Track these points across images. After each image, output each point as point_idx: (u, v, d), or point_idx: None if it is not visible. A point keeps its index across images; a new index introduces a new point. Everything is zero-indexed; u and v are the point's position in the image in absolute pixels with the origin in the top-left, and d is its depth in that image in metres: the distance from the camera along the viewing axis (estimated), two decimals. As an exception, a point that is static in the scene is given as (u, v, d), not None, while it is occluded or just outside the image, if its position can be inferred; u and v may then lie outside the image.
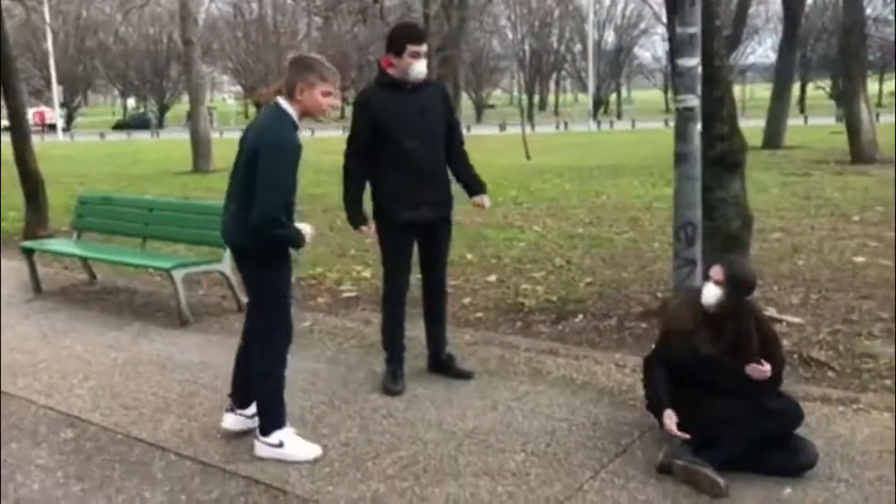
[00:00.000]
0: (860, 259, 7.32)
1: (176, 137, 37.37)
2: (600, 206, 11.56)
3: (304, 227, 3.48)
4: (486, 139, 32.74)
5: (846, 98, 18.18)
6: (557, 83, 70.75)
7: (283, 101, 3.41)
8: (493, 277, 7.09)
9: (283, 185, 3.30)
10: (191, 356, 5.07)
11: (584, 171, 16.93)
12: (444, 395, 4.26)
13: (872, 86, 35.85)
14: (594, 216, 10.55)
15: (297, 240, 3.46)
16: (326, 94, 3.40)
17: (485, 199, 4.44)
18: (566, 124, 43.63)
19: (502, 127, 39.80)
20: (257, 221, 3.30)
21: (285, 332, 3.59)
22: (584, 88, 57.20)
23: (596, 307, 5.96)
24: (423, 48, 4.12)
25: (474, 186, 4.43)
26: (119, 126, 57.83)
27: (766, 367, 3.35)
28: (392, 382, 4.37)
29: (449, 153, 4.35)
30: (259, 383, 3.61)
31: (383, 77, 4.20)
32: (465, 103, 51.37)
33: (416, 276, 4.53)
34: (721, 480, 3.14)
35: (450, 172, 4.41)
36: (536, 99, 64.32)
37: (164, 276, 6.41)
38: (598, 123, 44.99)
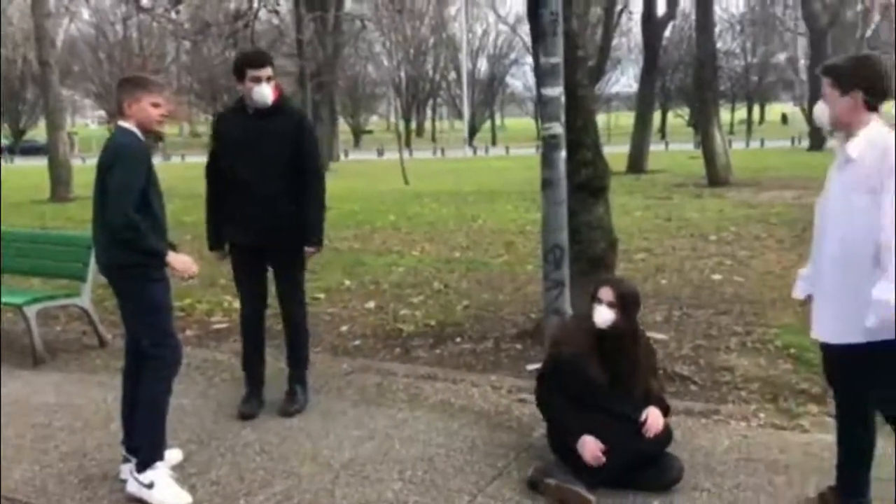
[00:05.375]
0: (717, 277, 7.77)
1: (34, 164, 35.21)
2: (477, 230, 11.77)
3: (181, 258, 3.50)
4: (364, 164, 32.76)
5: (701, 125, 19.45)
6: (434, 110, 71.73)
7: (122, 122, 3.51)
8: (371, 304, 7.05)
9: (130, 187, 3.35)
10: (46, 397, 4.74)
11: (461, 196, 17.21)
12: (321, 427, 4.17)
13: (725, 114, 38.39)
14: (471, 240, 10.72)
15: (155, 249, 3.40)
16: (155, 105, 3.50)
17: (308, 253, 4.35)
18: (443, 150, 44.25)
19: (380, 152, 39.90)
20: (110, 224, 3.36)
21: (174, 353, 3.53)
22: (460, 115, 58.27)
23: (473, 330, 6.03)
24: (264, 72, 4.14)
25: (309, 231, 4.30)
26: None
27: (657, 422, 3.43)
28: (242, 404, 4.40)
29: (300, 184, 4.28)
30: (144, 411, 3.47)
31: (238, 102, 4.36)
32: (343, 128, 51.18)
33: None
34: (592, 497, 3.22)
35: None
36: (413, 125, 64.94)
37: (16, 313, 5.98)
38: (474, 150, 45.89)
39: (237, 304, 7.01)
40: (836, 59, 3.06)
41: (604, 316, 3.47)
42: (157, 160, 3.80)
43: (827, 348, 3.07)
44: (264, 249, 4.33)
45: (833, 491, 3.16)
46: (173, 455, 3.69)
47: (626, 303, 3.49)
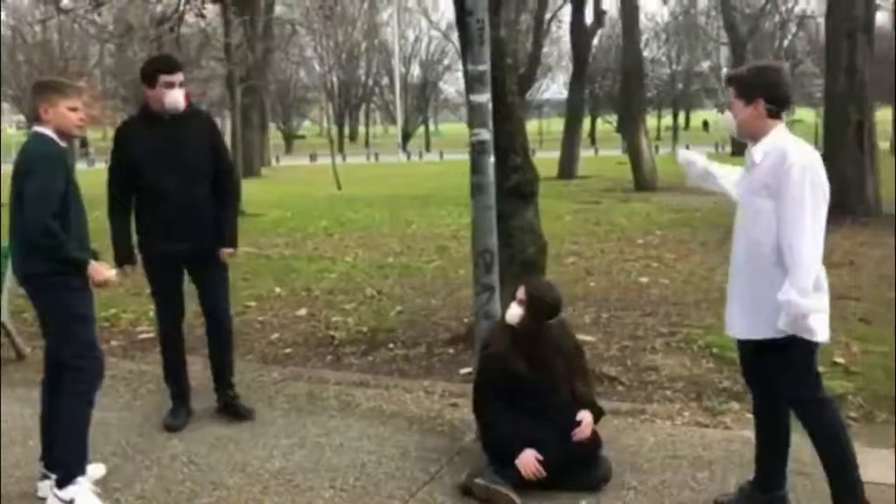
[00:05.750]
0: (644, 279, 7.96)
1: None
2: (410, 235, 11.78)
3: (101, 267, 3.42)
4: (296, 170, 32.41)
5: (628, 132, 19.93)
6: (367, 115, 71.45)
7: (38, 128, 3.42)
8: (303, 311, 6.98)
9: (47, 192, 3.26)
10: (-41, 414, 4.53)
11: (395, 201, 17.19)
12: (250, 437, 4.11)
13: (651, 121, 39.35)
14: (405, 245, 10.72)
15: (76, 258, 3.33)
16: (72, 109, 3.42)
17: (224, 253, 4.30)
18: (377, 155, 44.13)
19: (313, 157, 39.48)
20: (27, 232, 3.27)
21: (97, 365, 3.44)
22: (394, 120, 58.18)
23: (406, 336, 6.03)
24: (177, 77, 4.10)
25: (223, 235, 4.29)
26: None
27: (587, 430, 3.49)
28: (170, 417, 4.30)
29: (216, 186, 4.27)
30: (66, 425, 3.37)
31: (144, 109, 4.24)
32: (274, 133, 50.51)
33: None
34: (518, 500, 3.26)
35: None
36: (347, 130, 64.55)
37: (-74, 326, 5.70)
38: (408, 155, 45.90)
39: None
40: (739, 68, 3.18)
41: (511, 312, 3.60)
42: (82, 165, 3.70)
43: (741, 345, 3.21)
44: (182, 256, 4.24)
45: (752, 485, 3.28)
46: (96, 470, 3.58)
47: (534, 302, 3.57)
